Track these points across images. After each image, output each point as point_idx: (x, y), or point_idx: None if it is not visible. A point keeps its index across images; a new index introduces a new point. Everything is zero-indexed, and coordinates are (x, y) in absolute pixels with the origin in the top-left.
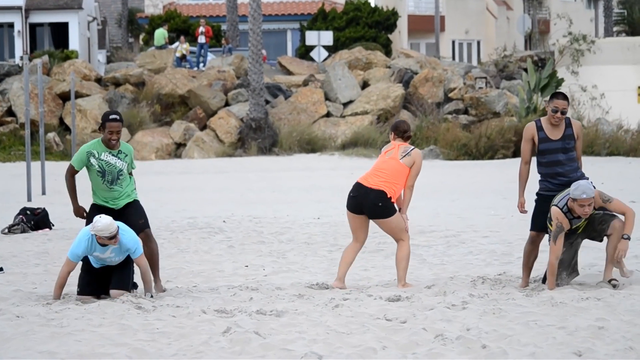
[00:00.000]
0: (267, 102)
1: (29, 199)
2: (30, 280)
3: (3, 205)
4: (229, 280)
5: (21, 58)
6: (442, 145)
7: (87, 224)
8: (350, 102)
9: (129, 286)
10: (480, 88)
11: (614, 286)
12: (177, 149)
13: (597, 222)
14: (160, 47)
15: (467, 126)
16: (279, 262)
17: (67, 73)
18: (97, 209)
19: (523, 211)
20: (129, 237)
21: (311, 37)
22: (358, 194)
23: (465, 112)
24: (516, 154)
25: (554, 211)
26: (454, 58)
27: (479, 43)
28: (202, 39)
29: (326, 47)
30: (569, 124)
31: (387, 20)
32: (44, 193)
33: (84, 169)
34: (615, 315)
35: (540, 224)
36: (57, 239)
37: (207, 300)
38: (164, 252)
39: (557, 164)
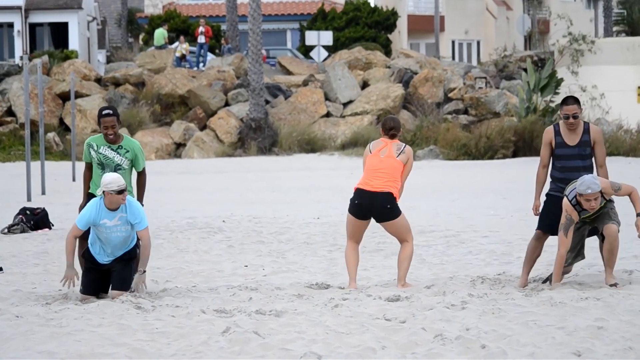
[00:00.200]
0: (267, 102)
1: (29, 199)
2: (29, 280)
3: (3, 205)
4: (229, 280)
5: (21, 58)
6: (441, 145)
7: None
8: (350, 102)
9: (128, 282)
10: (480, 88)
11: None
12: (177, 149)
13: (603, 215)
14: (160, 47)
15: (466, 126)
16: (279, 262)
17: (67, 73)
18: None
19: (537, 214)
20: (136, 205)
21: (311, 37)
22: (363, 200)
23: (465, 112)
24: (516, 154)
25: (565, 203)
26: (453, 58)
27: (478, 43)
28: (201, 39)
29: (326, 47)
30: (586, 130)
31: (386, 20)
32: (43, 193)
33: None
34: (614, 316)
35: (547, 225)
36: (56, 239)
37: (207, 300)
38: (164, 252)
39: (573, 170)
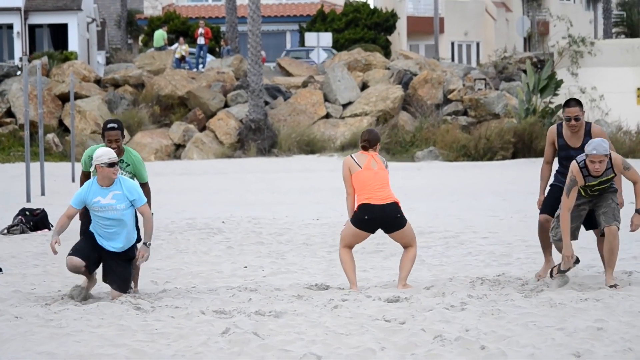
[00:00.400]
0: (267, 103)
1: (28, 200)
2: (29, 281)
3: (2, 206)
4: (228, 281)
5: (20, 59)
6: (441, 146)
7: (82, 228)
8: (350, 103)
9: (127, 282)
10: (479, 89)
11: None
12: (177, 150)
13: (605, 205)
14: (160, 49)
15: (466, 127)
16: (278, 263)
17: (67, 74)
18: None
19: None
20: (130, 181)
21: (310, 38)
22: (374, 214)
23: (465, 113)
24: (515, 155)
25: (572, 165)
26: (453, 59)
27: (478, 44)
28: (201, 41)
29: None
30: (588, 132)
31: (386, 22)
32: (43, 194)
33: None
34: (614, 317)
35: (549, 207)
36: None
37: (206, 301)
38: (163, 252)
39: None
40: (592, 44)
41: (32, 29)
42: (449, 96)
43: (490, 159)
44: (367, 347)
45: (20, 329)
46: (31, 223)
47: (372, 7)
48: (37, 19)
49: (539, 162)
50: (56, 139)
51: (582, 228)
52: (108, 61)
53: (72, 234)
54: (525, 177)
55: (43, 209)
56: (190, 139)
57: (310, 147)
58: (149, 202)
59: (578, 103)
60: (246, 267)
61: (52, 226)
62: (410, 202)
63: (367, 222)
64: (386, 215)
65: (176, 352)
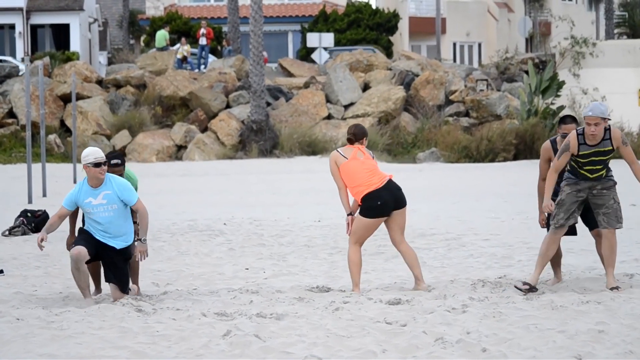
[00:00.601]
0: (268, 104)
1: (30, 201)
2: (30, 283)
3: (3, 207)
4: (229, 283)
5: (22, 59)
6: (442, 147)
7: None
8: (351, 104)
9: (127, 282)
10: (481, 90)
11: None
12: (178, 151)
13: (608, 205)
14: (162, 49)
15: (468, 129)
16: (279, 265)
17: (68, 75)
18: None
19: (551, 211)
20: (122, 180)
21: (312, 39)
22: (383, 198)
23: (466, 114)
24: (517, 157)
25: (571, 133)
26: (455, 60)
27: (480, 45)
28: (203, 41)
29: (327, 49)
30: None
31: (388, 22)
32: (44, 195)
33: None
34: (615, 319)
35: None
36: (57, 242)
37: (207, 303)
38: (164, 254)
39: None
40: (594, 44)
41: (34, 29)
42: (451, 97)
43: (492, 160)
44: (368, 350)
45: (21, 330)
46: (32, 224)
47: (374, 7)
48: (39, 19)
49: (538, 174)
50: (58, 140)
51: (582, 229)
52: (110, 62)
53: (64, 234)
54: (527, 179)
55: (44, 210)
56: (191, 140)
57: (312, 148)
58: (143, 222)
59: (573, 120)
60: (247, 269)
61: None
62: (412, 204)
63: (381, 207)
64: (393, 191)
65: (177, 354)
